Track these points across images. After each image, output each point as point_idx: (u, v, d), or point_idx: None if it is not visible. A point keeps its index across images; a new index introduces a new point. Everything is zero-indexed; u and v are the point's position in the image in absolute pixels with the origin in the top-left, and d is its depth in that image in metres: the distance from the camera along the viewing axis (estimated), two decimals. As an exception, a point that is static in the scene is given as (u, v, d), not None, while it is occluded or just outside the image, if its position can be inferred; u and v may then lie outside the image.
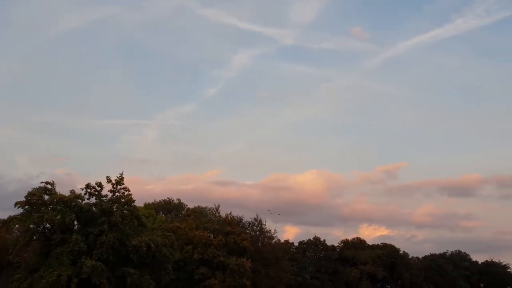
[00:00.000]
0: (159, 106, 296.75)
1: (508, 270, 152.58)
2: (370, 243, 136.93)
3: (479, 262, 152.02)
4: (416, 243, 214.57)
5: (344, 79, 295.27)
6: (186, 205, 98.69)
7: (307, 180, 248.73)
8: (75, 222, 60.84)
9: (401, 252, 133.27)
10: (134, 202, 62.92)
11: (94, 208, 61.28)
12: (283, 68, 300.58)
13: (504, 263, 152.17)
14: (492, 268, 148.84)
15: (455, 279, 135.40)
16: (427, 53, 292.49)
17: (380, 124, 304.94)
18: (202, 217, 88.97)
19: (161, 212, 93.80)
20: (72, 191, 61.49)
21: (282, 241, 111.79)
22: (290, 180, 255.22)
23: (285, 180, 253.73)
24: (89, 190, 61.91)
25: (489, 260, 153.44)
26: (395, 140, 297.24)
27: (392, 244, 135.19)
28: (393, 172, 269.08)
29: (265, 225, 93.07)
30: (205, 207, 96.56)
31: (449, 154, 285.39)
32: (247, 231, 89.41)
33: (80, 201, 60.97)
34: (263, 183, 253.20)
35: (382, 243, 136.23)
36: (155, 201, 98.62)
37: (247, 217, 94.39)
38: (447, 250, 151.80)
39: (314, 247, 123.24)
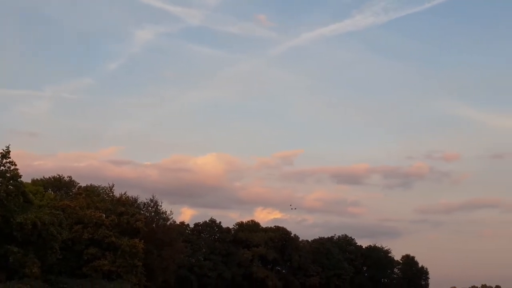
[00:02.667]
0: (52, 78, 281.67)
1: (389, 255, 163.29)
2: (264, 226, 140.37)
3: (363, 247, 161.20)
4: (307, 227, 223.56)
5: (248, 64, 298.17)
6: (78, 183, 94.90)
7: (207, 163, 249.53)
8: (-48, 196, 56.67)
9: (292, 235, 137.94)
10: (20, 177, 59.98)
11: (-25, 182, 57.36)
12: (188, 49, 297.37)
13: (385, 248, 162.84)
14: (374, 253, 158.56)
15: (340, 262, 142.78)
16: (327, 45, 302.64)
17: (280, 111, 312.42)
18: (95, 196, 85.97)
19: (50, 189, 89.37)
20: (-50, 163, 57.15)
21: (178, 222, 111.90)
22: (190, 162, 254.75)
23: (185, 162, 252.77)
24: (-30, 163, 57.90)
25: (372, 245, 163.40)
26: (293, 127, 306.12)
27: (284, 227, 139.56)
28: (289, 158, 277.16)
29: (161, 206, 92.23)
30: (98, 186, 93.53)
31: (342, 144, 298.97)
32: (142, 211, 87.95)
33: (-41, 174, 56.85)
34: (162, 164, 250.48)
35: (275, 226, 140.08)
36: (44, 177, 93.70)
37: (143, 198, 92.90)
38: (335, 234, 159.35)
39: (209, 229, 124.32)
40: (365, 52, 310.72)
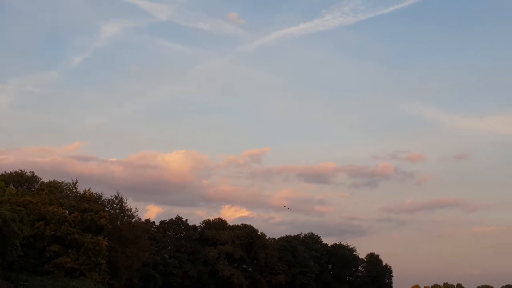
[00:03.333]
0: (16, 70, 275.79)
1: (354, 253, 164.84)
2: (231, 224, 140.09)
3: (329, 245, 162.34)
4: (274, 225, 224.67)
5: (217, 62, 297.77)
6: (41, 179, 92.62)
7: (174, 160, 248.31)
8: None
9: (259, 233, 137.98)
10: (-20, 172, 58.22)
11: None
12: (157, 44, 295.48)
13: (351, 246, 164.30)
14: (340, 251, 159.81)
15: (306, 260, 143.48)
16: (296, 44, 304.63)
17: (249, 109, 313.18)
18: (58, 192, 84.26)
19: (12, 185, 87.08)
20: None
21: (143, 220, 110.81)
22: (157, 158, 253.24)
23: (152, 159, 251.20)
24: None
25: (337, 243, 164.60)
26: (262, 126, 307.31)
27: (251, 225, 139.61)
28: (258, 156, 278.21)
29: (126, 203, 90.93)
30: (62, 182, 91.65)
31: (310, 142, 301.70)
32: (106, 209, 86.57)
33: None
34: (128, 160, 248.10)
35: (242, 224, 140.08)
36: (5, 172, 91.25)
37: (108, 194, 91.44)
38: (301, 233, 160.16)
39: (175, 226, 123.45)
40: (334, 52, 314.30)
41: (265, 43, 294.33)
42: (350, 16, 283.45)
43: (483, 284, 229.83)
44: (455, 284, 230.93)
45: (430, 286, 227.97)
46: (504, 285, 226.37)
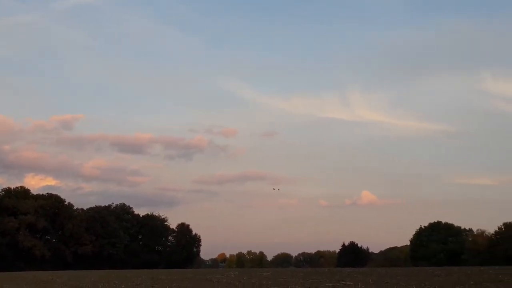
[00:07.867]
0: None
1: (165, 223, 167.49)
2: (35, 193, 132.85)
3: (141, 215, 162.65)
4: (83, 195, 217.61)
5: (27, 16, 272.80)
6: None
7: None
8: None
9: (66, 203, 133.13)
10: None
11: None
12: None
13: (162, 217, 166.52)
14: (151, 221, 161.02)
15: (116, 230, 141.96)
16: (117, 7, 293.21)
17: (62, 71, 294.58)
18: None
19: None
20: None
21: None
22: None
23: None
24: None
25: (149, 213, 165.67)
26: (75, 90, 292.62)
27: (58, 195, 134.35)
28: (69, 123, 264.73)
29: None
30: None
31: (126, 112, 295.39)
32: None
33: None
34: None
35: (47, 194, 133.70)
36: None
37: None
38: (112, 203, 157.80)
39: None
40: (156, 20, 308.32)
41: (83, 2, 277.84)
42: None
43: (282, 252, 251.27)
44: (258, 252, 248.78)
45: (235, 254, 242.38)
46: (300, 252, 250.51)
